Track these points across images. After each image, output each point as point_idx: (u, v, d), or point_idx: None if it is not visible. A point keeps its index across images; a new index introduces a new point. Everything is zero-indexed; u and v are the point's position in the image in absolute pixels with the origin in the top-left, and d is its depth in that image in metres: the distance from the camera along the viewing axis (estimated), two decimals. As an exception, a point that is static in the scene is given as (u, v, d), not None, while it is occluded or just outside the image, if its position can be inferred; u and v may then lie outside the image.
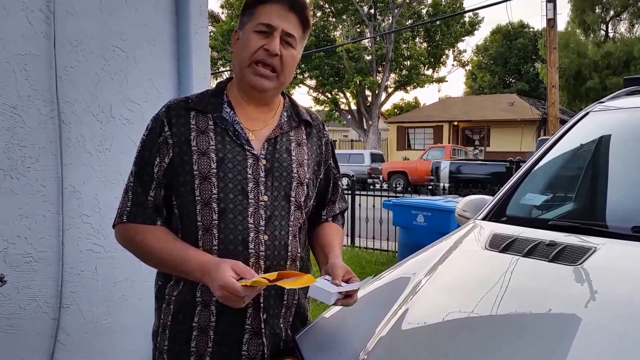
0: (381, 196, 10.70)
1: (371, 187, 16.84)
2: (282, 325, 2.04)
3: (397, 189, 24.36)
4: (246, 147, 1.96)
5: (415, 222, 7.97)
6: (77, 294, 3.17)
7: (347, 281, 1.94)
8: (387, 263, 9.24)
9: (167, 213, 1.99)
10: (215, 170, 1.91)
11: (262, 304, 1.96)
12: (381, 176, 28.48)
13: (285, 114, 2.10)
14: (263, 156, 1.98)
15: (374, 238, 10.38)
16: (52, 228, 3.06)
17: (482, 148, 37.61)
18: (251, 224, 1.93)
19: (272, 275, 1.77)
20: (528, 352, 1.71)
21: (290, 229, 2.02)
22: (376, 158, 31.53)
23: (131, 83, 3.40)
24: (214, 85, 2.13)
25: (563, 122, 26.92)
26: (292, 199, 2.02)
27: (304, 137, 2.12)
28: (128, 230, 1.96)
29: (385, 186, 23.27)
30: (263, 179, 1.96)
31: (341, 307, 2.06)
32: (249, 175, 1.94)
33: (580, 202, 3.06)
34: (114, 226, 2.02)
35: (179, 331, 1.97)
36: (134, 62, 3.42)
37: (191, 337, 1.95)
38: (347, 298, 1.92)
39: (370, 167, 29.67)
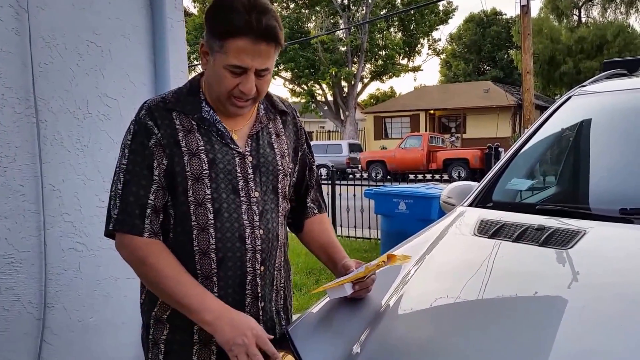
0: (362, 185, 10.71)
1: (350, 176, 16.90)
2: (274, 309, 2.10)
3: (378, 177, 24.49)
4: (232, 145, 1.98)
5: (397, 210, 7.95)
6: (61, 293, 3.12)
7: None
8: (370, 250, 9.29)
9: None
10: (207, 171, 1.93)
11: (259, 293, 2.01)
12: (359, 165, 28.58)
13: (262, 106, 2.10)
14: (248, 153, 2.01)
15: (355, 227, 10.39)
16: (32, 228, 3.00)
17: (459, 135, 37.81)
18: (246, 220, 1.97)
19: (384, 258, 2.01)
20: (526, 337, 1.71)
21: (279, 219, 2.08)
22: (354, 148, 31.67)
23: (107, 78, 3.34)
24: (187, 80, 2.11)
25: (538, 107, 27.23)
26: (280, 190, 2.07)
27: (281, 126, 2.15)
28: (139, 250, 1.90)
29: (365, 175, 23.37)
30: (252, 175, 2.00)
31: (330, 298, 2.14)
32: (238, 174, 1.97)
33: (566, 186, 3.07)
34: (109, 235, 1.96)
35: (180, 325, 1.96)
36: (109, 57, 3.36)
37: (194, 331, 1.96)
38: (362, 289, 2.08)
39: (348, 157, 29.79)
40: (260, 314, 2.02)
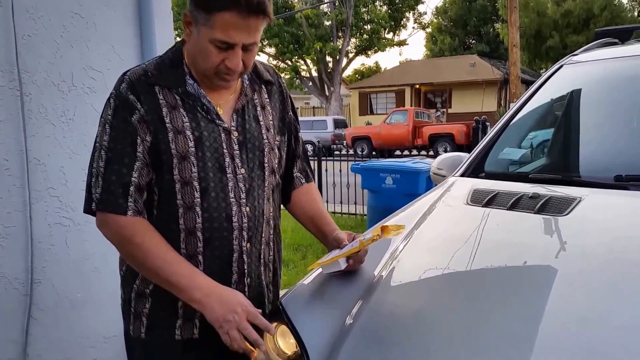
0: (347, 160, 10.69)
1: (336, 152, 16.88)
2: (263, 283, 2.07)
3: (363, 153, 24.45)
4: (217, 121, 1.92)
5: (384, 184, 7.94)
6: (48, 268, 3.08)
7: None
8: (356, 227, 9.27)
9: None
10: (193, 149, 1.87)
11: (245, 270, 1.98)
12: (345, 142, 28.51)
13: (246, 77, 2.04)
14: (234, 128, 1.96)
15: (341, 202, 10.38)
16: (18, 202, 2.96)
17: (444, 110, 37.82)
18: (232, 198, 1.93)
19: (378, 230, 1.98)
20: (523, 304, 1.71)
21: (265, 195, 2.03)
22: (339, 124, 31.55)
23: (92, 50, 3.27)
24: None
25: (524, 81, 27.25)
26: (266, 165, 2.02)
27: (266, 97, 2.09)
28: (124, 229, 1.85)
29: (351, 152, 23.32)
30: (237, 152, 1.95)
31: (321, 271, 2.14)
32: (224, 151, 1.92)
33: (559, 154, 3.05)
34: (89, 212, 1.91)
35: (164, 300, 1.93)
36: (94, 29, 3.28)
37: (178, 306, 1.93)
38: (356, 262, 2.07)
39: (333, 134, 29.68)
40: (247, 290, 1.99)
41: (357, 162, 9.26)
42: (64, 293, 3.17)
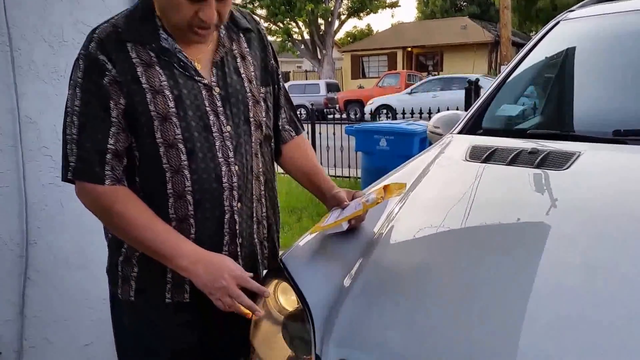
0: (341, 123, 10.68)
1: (329, 116, 16.84)
2: (256, 241, 2.02)
3: (356, 116, 24.35)
4: (196, 77, 1.83)
5: (378, 146, 7.93)
6: (43, 229, 3.04)
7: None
8: (350, 188, 9.24)
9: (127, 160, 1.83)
10: (174, 109, 1.78)
11: (237, 230, 1.92)
12: (337, 106, 28.41)
13: (222, 26, 1.91)
14: (215, 83, 1.86)
15: (335, 166, 10.38)
16: (10, 162, 2.91)
17: (436, 73, 37.69)
18: (221, 157, 1.85)
19: (381, 192, 1.96)
20: (526, 257, 1.71)
21: (253, 150, 1.96)
22: (332, 88, 31.36)
23: (82, 4, 3.18)
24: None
25: (515, 44, 27.13)
26: (252, 119, 1.94)
27: (246, 46, 1.99)
28: (103, 196, 1.79)
29: (344, 116, 23.23)
30: (221, 108, 1.86)
31: (320, 231, 2.10)
32: (207, 109, 1.83)
33: (557, 110, 3.04)
34: (67, 180, 1.86)
35: (152, 266, 1.87)
36: (84, -18, 3.21)
37: (167, 271, 1.88)
38: (357, 222, 2.07)
39: (326, 97, 29.50)
40: (239, 250, 1.93)
41: (350, 125, 9.24)
42: (60, 254, 3.13)
